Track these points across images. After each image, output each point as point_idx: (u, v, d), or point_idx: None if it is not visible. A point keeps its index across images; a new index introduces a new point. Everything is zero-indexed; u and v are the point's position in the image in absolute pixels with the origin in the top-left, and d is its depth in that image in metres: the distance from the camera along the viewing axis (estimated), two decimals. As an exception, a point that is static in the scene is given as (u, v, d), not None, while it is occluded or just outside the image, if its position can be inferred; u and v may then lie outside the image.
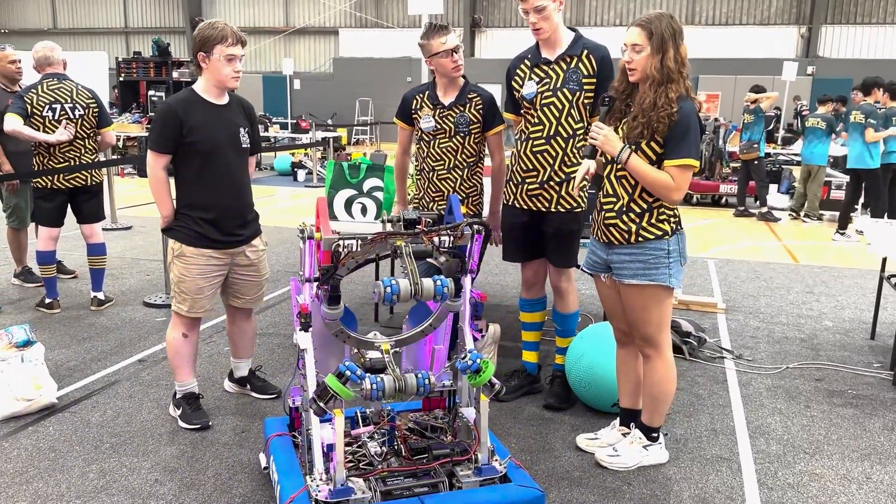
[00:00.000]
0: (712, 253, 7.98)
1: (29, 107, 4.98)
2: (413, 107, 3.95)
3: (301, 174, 13.94)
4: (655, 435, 3.23)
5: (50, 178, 5.08)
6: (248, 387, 3.90)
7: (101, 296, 5.42)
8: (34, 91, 5.03)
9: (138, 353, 4.49)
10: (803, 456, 3.38)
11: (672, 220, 3.01)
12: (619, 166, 3.01)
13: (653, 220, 3.00)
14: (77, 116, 5.14)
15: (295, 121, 19.33)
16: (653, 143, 2.92)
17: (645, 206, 2.99)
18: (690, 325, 4.77)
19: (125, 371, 4.22)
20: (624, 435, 3.30)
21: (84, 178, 5.21)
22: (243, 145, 3.52)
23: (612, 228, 3.06)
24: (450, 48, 3.72)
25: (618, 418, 3.40)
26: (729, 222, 10.24)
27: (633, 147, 2.94)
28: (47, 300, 5.30)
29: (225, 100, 3.48)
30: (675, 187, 2.90)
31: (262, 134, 15.62)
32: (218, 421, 3.58)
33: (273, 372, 4.19)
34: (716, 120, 12.05)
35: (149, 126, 11.38)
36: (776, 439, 3.54)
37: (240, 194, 3.52)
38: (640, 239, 3.00)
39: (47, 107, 5.03)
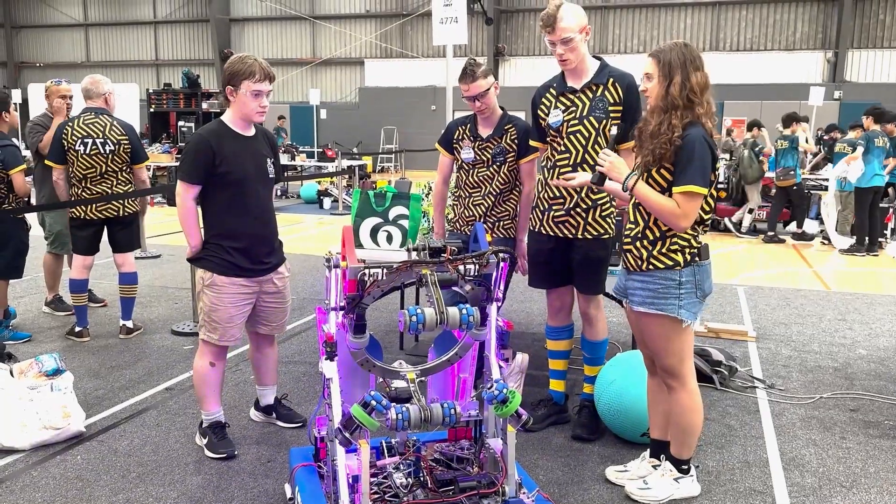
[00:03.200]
0: (741, 280, 7.87)
1: (64, 141, 5.10)
2: (455, 137, 4.13)
3: (327, 202, 14.06)
4: (686, 467, 3.16)
5: (83, 208, 5.20)
6: (274, 415, 3.90)
7: (129, 324, 5.47)
8: (70, 125, 5.16)
9: (166, 382, 4.51)
10: (840, 489, 3.28)
11: (687, 250, 2.96)
12: None
13: (664, 250, 2.96)
14: (108, 152, 5.22)
15: (321, 150, 19.53)
16: (663, 171, 2.91)
17: (658, 233, 2.97)
18: (721, 353, 4.68)
19: (152, 399, 4.24)
20: (654, 467, 3.23)
21: (116, 209, 5.31)
22: (270, 175, 3.57)
23: (627, 254, 3.07)
24: (469, 95, 3.91)
25: (648, 449, 3.33)
26: (758, 248, 10.10)
27: (645, 174, 2.94)
28: (77, 328, 5.36)
29: (252, 131, 3.53)
30: (680, 214, 2.86)
31: (289, 163, 15.83)
32: (244, 450, 3.57)
33: (298, 401, 4.18)
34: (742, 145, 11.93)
35: (179, 156, 11.55)
36: (811, 472, 3.44)
37: (268, 223, 3.56)
38: (650, 267, 2.97)
39: (79, 141, 5.14)
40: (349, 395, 2.93)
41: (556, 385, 3.98)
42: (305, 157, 17.27)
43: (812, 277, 8.23)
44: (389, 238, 4.69)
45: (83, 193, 5.21)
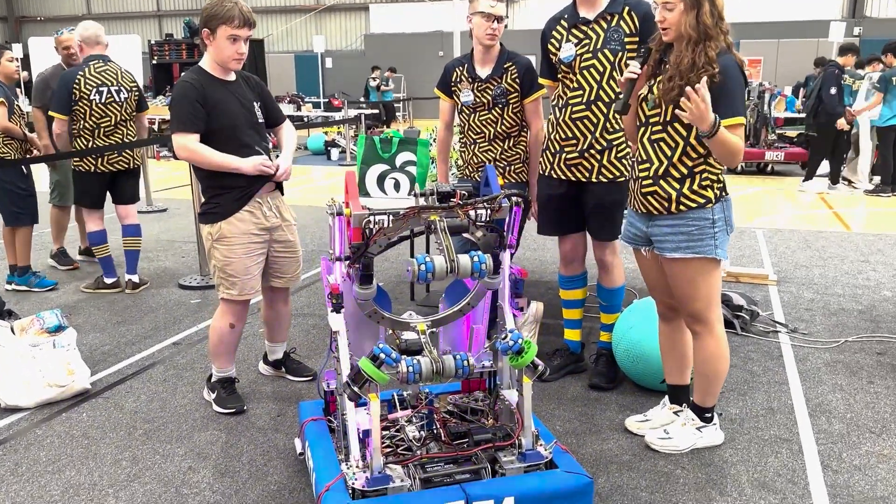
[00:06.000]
0: (760, 223, 7.68)
1: (77, 91, 4.95)
2: (453, 79, 3.90)
3: (335, 153, 13.84)
4: (709, 415, 3.04)
5: (93, 161, 5.08)
6: (283, 369, 3.81)
7: (135, 279, 5.37)
8: (81, 74, 4.99)
9: (173, 337, 4.43)
10: (869, 436, 3.16)
11: (716, 185, 2.79)
12: (656, 128, 2.80)
13: (694, 187, 2.78)
14: (122, 100, 5.14)
15: (327, 99, 19.24)
16: None
17: (685, 170, 2.78)
18: (742, 298, 4.54)
19: (159, 355, 4.16)
20: (676, 413, 3.12)
21: (127, 160, 5.22)
22: (259, 120, 3.39)
23: (649, 197, 2.85)
24: (494, 14, 3.64)
25: (667, 396, 3.21)
26: (776, 191, 9.85)
27: (672, 108, 2.74)
28: (107, 280, 5.30)
29: (232, 76, 3.35)
30: (739, 150, 2.70)
31: (295, 113, 15.57)
32: (253, 405, 3.49)
33: (308, 353, 4.09)
34: (760, 85, 11.59)
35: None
36: (838, 418, 3.33)
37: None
38: (681, 208, 2.79)
39: (94, 90, 5.00)
40: (358, 347, 2.82)
41: (572, 334, 3.85)
42: (311, 108, 17.00)
43: (832, 218, 8.02)
44: (397, 185, 4.54)
45: (95, 145, 5.08)
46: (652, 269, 3.02)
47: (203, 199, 3.37)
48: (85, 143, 5.07)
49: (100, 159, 5.09)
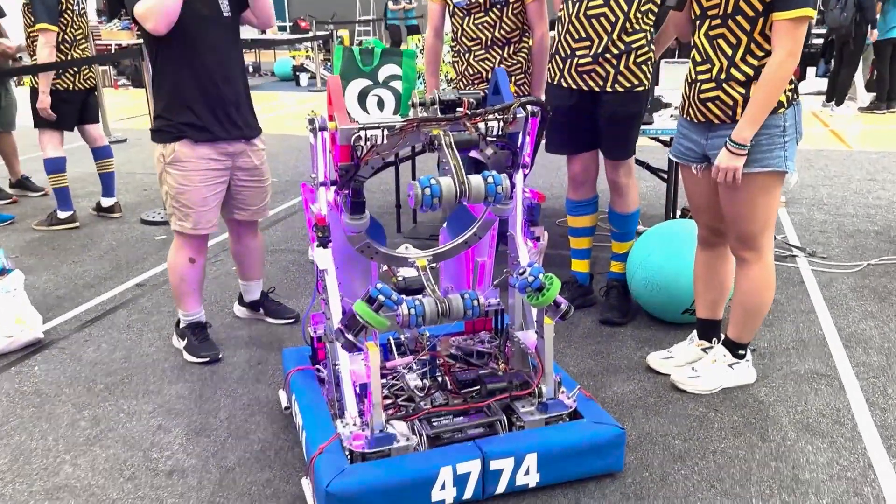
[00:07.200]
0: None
1: (64, 1, 4.57)
2: None
3: (304, 78, 13.15)
4: (743, 352, 2.73)
5: (71, 78, 4.70)
6: (261, 311, 3.42)
7: (112, 201, 5.18)
8: None
9: (136, 277, 4.01)
10: (912, 368, 2.89)
11: (787, 87, 2.38)
12: (715, 22, 2.38)
13: None
14: (83, 12, 4.92)
15: (293, 22, 18.29)
16: None
17: (751, 71, 2.36)
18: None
19: (121, 297, 3.74)
20: (704, 350, 2.80)
21: (94, 77, 4.95)
22: (225, 14, 2.87)
23: (709, 104, 2.44)
24: None
25: (694, 331, 2.89)
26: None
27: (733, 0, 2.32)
28: (61, 214, 4.86)
29: None
30: (791, 50, 2.28)
31: (259, 37, 14.69)
32: (229, 352, 3.11)
33: (288, 293, 3.70)
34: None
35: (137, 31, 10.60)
36: (876, 349, 3.04)
37: (232, 79, 2.89)
38: None
39: (76, 1, 4.70)
40: (348, 288, 2.45)
41: (580, 265, 3.50)
42: (277, 31, 16.13)
43: (830, 137, 7.70)
44: (380, 103, 4.07)
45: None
46: (703, 188, 2.61)
47: (155, 114, 2.91)
48: (63, 58, 4.66)
49: (77, 76, 4.72)
